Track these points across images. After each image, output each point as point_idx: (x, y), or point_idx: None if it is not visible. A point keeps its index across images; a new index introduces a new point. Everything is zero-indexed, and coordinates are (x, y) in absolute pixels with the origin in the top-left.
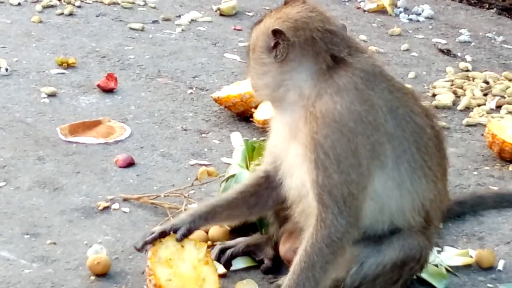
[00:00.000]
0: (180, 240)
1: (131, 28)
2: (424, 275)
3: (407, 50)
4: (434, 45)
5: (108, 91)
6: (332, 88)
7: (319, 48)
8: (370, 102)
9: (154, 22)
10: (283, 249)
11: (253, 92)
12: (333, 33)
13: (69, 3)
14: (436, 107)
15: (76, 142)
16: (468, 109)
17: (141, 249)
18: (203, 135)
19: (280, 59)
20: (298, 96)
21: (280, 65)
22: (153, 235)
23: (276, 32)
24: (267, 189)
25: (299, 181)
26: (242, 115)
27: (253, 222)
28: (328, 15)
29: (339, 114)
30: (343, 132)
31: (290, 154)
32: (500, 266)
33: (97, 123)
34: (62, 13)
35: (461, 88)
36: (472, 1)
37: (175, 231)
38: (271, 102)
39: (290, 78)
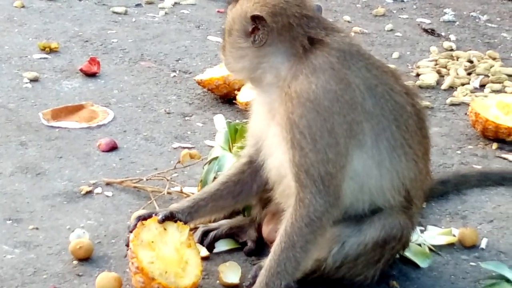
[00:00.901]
0: (161, 222)
1: (114, 12)
2: (407, 254)
3: (391, 30)
4: (418, 25)
5: (91, 75)
6: (308, 68)
7: (297, 33)
8: (346, 81)
9: (137, 5)
10: (266, 230)
11: (229, 72)
12: (309, 17)
13: None
14: (420, 86)
15: (58, 127)
16: (452, 88)
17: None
18: (186, 118)
19: (258, 44)
20: (274, 77)
21: (257, 49)
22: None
23: (255, 18)
24: (251, 174)
25: (278, 161)
26: (225, 97)
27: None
28: None
29: (314, 94)
30: (318, 111)
31: (269, 135)
32: (483, 244)
33: (79, 108)
34: None
35: (445, 67)
36: None
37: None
38: (249, 83)
39: (267, 61)
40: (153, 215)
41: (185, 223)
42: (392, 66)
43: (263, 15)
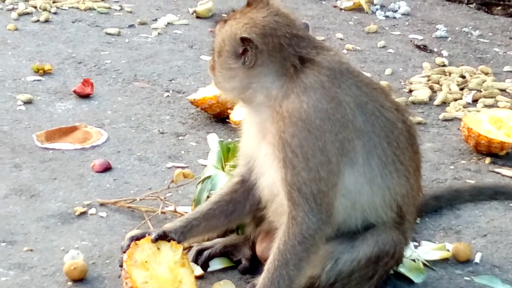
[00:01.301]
0: (155, 241)
1: (107, 33)
2: (401, 270)
3: (383, 47)
4: (411, 41)
5: (85, 96)
6: (299, 87)
7: (287, 53)
8: (337, 99)
9: (131, 26)
10: (260, 248)
11: (219, 91)
12: (299, 37)
13: (45, 10)
14: (413, 102)
15: (52, 149)
16: (444, 104)
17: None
18: (180, 137)
19: (248, 66)
20: (265, 97)
21: (247, 70)
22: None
23: (244, 40)
24: (243, 193)
25: (270, 180)
26: (219, 116)
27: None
28: (293, 18)
29: (305, 113)
30: (310, 130)
31: (260, 154)
32: (477, 259)
33: (73, 129)
34: (38, 20)
35: (438, 83)
36: None
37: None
38: (240, 101)
39: (257, 81)
40: (147, 235)
41: (179, 242)
42: (385, 82)
43: (252, 37)
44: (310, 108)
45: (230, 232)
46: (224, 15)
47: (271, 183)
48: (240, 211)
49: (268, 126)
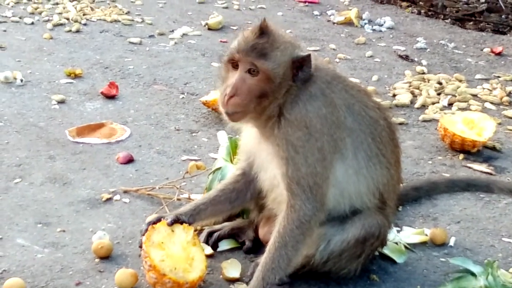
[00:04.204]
0: (170, 224)
1: (130, 42)
2: (385, 251)
3: (371, 56)
4: (395, 51)
5: (111, 97)
6: (304, 95)
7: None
8: (333, 103)
9: (151, 36)
10: (262, 232)
11: (232, 114)
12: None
13: (76, 21)
14: (396, 105)
15: (82, 143)
16: (424, 106)
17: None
18: (194, 134)
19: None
20: (277, 106)
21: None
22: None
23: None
24: (244, 183)
25: (271, 174)
26: None
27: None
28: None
29: (310, 120)
30: (311, 133)
31: (262, 152)
32: (451, 242)
33: (101, 126)
34: (70, 30)
35: (418, 88)
36: (429, 13)
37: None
38: (251, 119)
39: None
40: (162, 219)
41: (189, 224)
42: (372, 87)
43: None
44: (313, 115)
45: (236, 217)
46: (233, 27)
47: (272, 176)
48: (242, 198)
49: (274, 129)
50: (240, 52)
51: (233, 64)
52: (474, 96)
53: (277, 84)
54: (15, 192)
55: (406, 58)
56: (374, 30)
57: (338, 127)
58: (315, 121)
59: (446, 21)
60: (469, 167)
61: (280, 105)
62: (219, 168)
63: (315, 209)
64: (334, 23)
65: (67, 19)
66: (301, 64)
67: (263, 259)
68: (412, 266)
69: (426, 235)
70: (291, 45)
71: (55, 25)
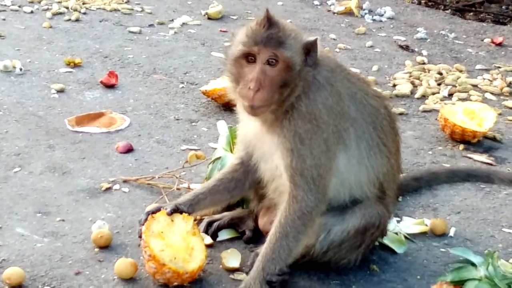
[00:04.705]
0: (170, 214)
1: (130, 31)
2: (385, 241)
3: (371, 46)
4: (395, 41)
5: (110, 86)
6: (313, 85)
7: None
8: (338, 93)
9: (150, 25)
10: (261, 222)
11: (258, 108)
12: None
13: (75, 10)
14: (396, 95)
15: (81, 132)
16: (424, 97)
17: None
18: (193, 123)
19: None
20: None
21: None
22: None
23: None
24: (243, 173)
25: (273, 164)
26: (227, 105)
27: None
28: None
29: (319, 112)
30: (319, 125)
31: (265, 143)
32: (451, 233)
33: (100, 115)
34: (70, 19)
35: (418, 79)
36: (429, 3)
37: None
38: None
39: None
40: (162, 208)
41: (188, 214)
42: (372, 78)
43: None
44: (322, 106)
45: (235, 207)
46: (232, 17)
47: (273, 167)
48: (241, 188)
49: (282, 121)
50: (258, 44)
51: (248, 58)
52: (475, 86)
53: (296, 72)
54: (15, 181)
55: (406, 48)
56: (374, 20)
57: (342, 117)
58: (323, 112)
59: (447, 11)
60: (470, 158)
61: (300, 93)
62: (218, 158)
63: (317, 200)
64: (334, 13)
65: (67, 8)
66: (308, 49)
67: (263, 249)
68: (412, 257)
69: (426, 225)
70: (298, 32)
71: (55, 14)
